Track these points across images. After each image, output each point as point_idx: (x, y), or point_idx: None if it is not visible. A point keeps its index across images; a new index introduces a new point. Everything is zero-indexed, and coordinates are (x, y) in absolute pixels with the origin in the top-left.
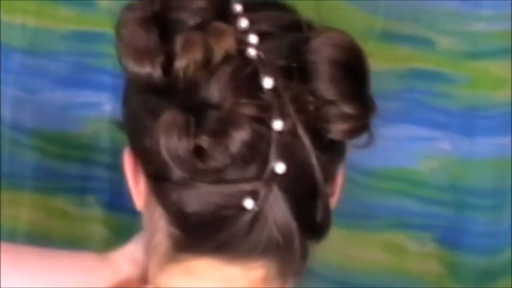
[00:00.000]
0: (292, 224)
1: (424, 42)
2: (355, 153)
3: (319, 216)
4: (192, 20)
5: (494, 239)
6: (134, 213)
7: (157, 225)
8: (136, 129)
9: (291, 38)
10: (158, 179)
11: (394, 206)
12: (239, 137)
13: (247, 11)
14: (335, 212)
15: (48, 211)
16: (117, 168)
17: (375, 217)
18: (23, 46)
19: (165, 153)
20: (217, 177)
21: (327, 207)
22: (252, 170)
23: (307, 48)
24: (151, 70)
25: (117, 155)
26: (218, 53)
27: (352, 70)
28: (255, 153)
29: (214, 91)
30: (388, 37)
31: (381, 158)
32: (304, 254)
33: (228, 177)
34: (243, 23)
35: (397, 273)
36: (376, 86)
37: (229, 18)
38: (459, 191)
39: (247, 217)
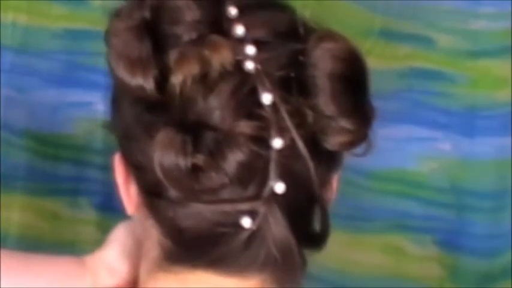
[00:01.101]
0: (291, 240)
1: (424, 40)
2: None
3: (318, 226)
4: (186, 33)
5: (494, 241)
6: (128, 215)
7: (149, 233)
8: (128, 141)
9: (289, 48)
10: (152, 194)
11: (393, 208)
12: (237, 158)
13: (243, 13)
14: (333, 214)
15: (39, 213)
16: (110, 169)
17: (374, 219)
18: (14, 44)
19: (159, 172)
20: (214, 196)
21: (325, 217)
22: (250, 190)
23: (306, 61)
24: (143, 82)
25: (110, 156)
26: (215, 68)
27: (353, 83)
28: (254, 174)
29: (213, 110)
30: (388, 35)
31: (380, 159)
32: (303, 266)
33: (225, 196)
34: (239, 30)
35: (397, 277)
36: (375, 85)
37: (225, 25)
38: (459, 192)
39: (244, 235)
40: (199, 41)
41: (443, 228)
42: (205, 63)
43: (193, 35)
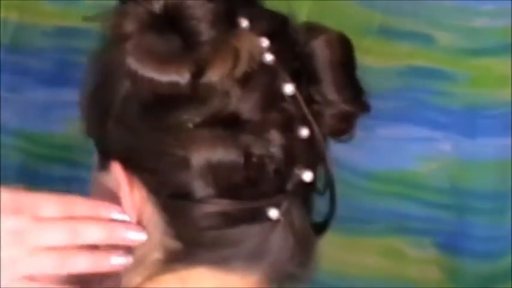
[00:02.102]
0: (310, 230)
1: (423, 38)
2: (352, 154)
3: (325, 214)
4: (206, 29)
5: (495, 243)
6: None
7: (147, 238)
8: (142, 151)
9: (292, 39)
10: (173, 197)
11: (392, 210)
12: (272, 150)
13: (245, 8)
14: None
15: None
16: None
17: (373, 221)
18: (5, 42)
19: (205, 170)
20: (252, 190)
21: (334, 203)
22: (279, 182)
23: (306, 52)
24: (177, 77)
25: None
26: (246, 61)
27: (350, 68)
28: (284, 165)
29: (245, 103)
30: (387, 33)
31: (379, 159)
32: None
33: (259, 190)
34: (244, 23)
35: (396, 280)
36: (374, 84)
37: (236, 19)
38: (460, 193)
39: (267, 229)
40: (229, 35)
41: (443, 230)
42: (239, 56)
43: (213, 31)
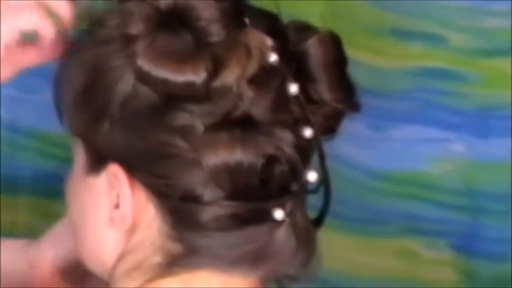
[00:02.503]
0: (311, 227)
1: (435, 39)
2: (365, 156)
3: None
4: (215, 28)
5: (509, 245)
6: None
7: (145, 242)
8: (147, 153)
9: (287, 38)
10: (181, 200)
11: (406, 211)
12: (288, 151)
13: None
14: (343, 217)
15: (47, 216)
16: None
17: (386, 223)
18: None
19: (221, 172)
20: (261, 191)
21: (329, 199)
22: (288, 183)
23: (302, 50)
24: (193, 77)
25: None
26: (255, 61)
27: (343, 66)
28: (292, 165)
29: (257, 104)
30: (398, 34)
31: (392, 160)
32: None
33: (265, 193)
34: (247, 22)
35: (410, 282)
36: (386, 85)
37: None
38: (474, 194)
39: (271, 229)
40: (240, 34)
41: (458, 232)
42: (250, 55)
43: (224, 30)
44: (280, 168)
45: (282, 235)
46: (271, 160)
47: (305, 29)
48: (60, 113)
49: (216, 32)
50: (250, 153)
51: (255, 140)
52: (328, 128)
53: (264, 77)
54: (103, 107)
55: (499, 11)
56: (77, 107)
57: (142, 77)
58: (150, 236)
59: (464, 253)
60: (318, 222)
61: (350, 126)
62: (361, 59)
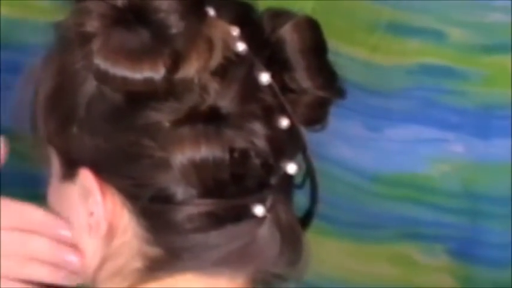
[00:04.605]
0: (297, 224)
1: (434, 34)
2: (360, 157)
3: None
4: (174, 20)
5: (510, 250)
6: None
7: (124, 247)
8: (115, 155)
9: (259, 26)
10: (154, 201)
11: (402, 215)
12: (259, 142)
13: None
14: (337, 221)
15: None
16: None
17: (381, 227)
18: None
19: (188, 169)
20: (234, 188)
21: (317, 195)
22: (263, 176)
23: (277, 37)
24: (151, 73)
25: None
26: (221, 52)
27: (321, 51)
28: (267, 158)
29: (223, 96)
30: (396, 29)
31: (388, 162)
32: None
33: (244, 186)
34: (211, 12)
35: None
36: (382, 82)
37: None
38: (473, 197)
39: (253, 226)
40: (200, 25)
41: (456, 237)
42: (213, 46)
43: (183, 22)
44: (255, 161)
45: (265, 232)
46: (241, 154)
47: (280, 15)
48: (27, 121)
49: (174, 24)
50: (216, 148)
51: (220, 133)
52: (314, 118)
53: (229, 68)
54: (70, 110)
55: (500, 6)
56: (46, 113)
57: (101, 76)
58: (127, 241)
59: (462, 259)
60: (306, 220)
61: (344, 125)
62: (356, 55)
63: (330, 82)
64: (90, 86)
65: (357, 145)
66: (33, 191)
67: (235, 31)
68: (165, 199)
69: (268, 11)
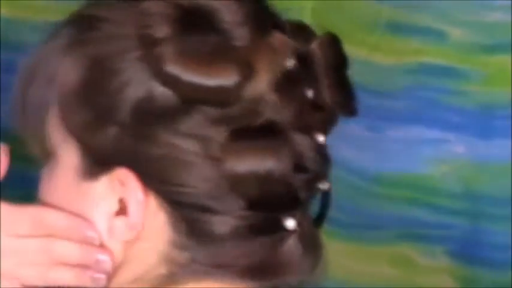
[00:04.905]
0: (317, 233)
1: (435, 34)
2: (360, 157)
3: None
4: (239, 30)
5: None
6: None
7: (149, 252)
8: (163, 161)
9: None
10: (200, 209)
11: (402, 216)
12: (311, 158)
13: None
14: (337, 223)
15: None
16: None
17: (382, 228)
18: None
19: (239, 181)
20: (277, 202)
21: (328, 200)
22: (302, 191)
23: (306, 53)
24: (225, 81)
25: None
26: (280, 65)
27: (345, 73)
28: (320, 173)
29: (281, 111)
30: (395, 28)
31: (388, 162)
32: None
33: (280, 201)
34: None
35: None
36: (382, 82)
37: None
38: (474, 198)
39: (281, 239)
40: (265, 36)
41: (457, 238)
42: (277, 60)
43: (250, 32)
44: (300, 177)
45: (291, 244)
46: (292, 168)
47: (307, 31)
48: (22, 109)
49: (241, 36)
50: (271, 162)
51: (276, 148)
52: (324, 132)
53: (286, 82)
54: (109, 110)
55: (501, 5)
56: (73, 105)
57: (170, 82)
58: (154, 246)
59: (463, 260)
60: (316, 224)
61: (345, 126)
62: (355, 55)
63: (349, 101)
64: (138, 88)
65: (358, 146)
66: (32, 192)
67: (292, 45)
68: (208, 208)
69: (289, 23)
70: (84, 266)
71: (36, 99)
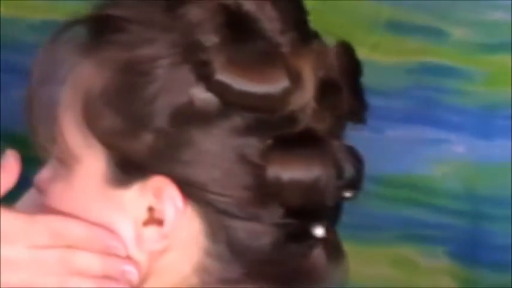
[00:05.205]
0: (339, 241)
1: (436, 33)
2: None
3: None
4: (280, 36)
5: None
6: None
7: (180, 263)
8: (206, 169)
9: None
10: (242, 217)
11: (402, 217)
12: (345, 166)
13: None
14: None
15: None
16: None
17: (381, 229)
18: None
19: (283, 188)
20: (312, 209)
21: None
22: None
23: (329, 60)
24: (274, 88)
25: None
26: (321, 74)
27: (360, 80)
28: (351, 182)
29: (322, 119)
30: (396, 28)
31: (388, 163)
32: None
33: (314, 209)
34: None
35: None
36: (382, 82)
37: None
38: (475, 199)
39: (310, 247)
40: (307, 44)
41: (457, 239)
42: (318, 68)
43: (293, 40)
44: (337, 184)
45: (317, 252)
46: (332, 176)
47: (320, 38)
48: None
49: (286, 42)
50: (315, 171)
51: (327, 155)
52: None
53: (328, 89)
54: (143, 117)
55: (503, 4)
56: (99, 112)
57: (220, 89)
58: (190, 255)
59: (464, 261)
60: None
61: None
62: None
63: (362, 109)
64: (178, 95)
65: (357, 146)
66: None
67: (329, 51)
68: (247, 216)
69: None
70: (107, 277)
71: (47, 100)
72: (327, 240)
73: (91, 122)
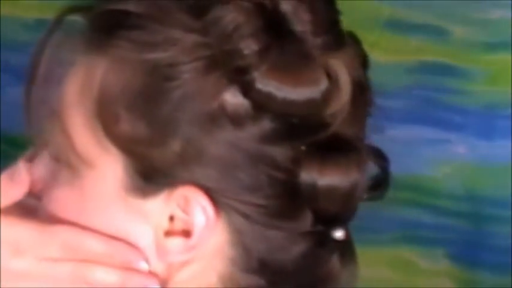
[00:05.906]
0: (350, 238)
1: (436, 31)
2: None
3: None
4: (313, 37)
5: None
6: None
7: (205, 274)
8: (238, 180)
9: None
10: (275, 227)
11: (402, 218)
12: (370, 170)
13: None
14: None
15: None
16: None
17: (381, 230)
18: None
19: (318, 194)
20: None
21: None
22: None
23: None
24: (313, 94)
25: None
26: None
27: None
28: (383, 183)
29: (352, 124)
30: (396, 26)
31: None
32: None
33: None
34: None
35: None
36: (382, 81)
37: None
38: (475, 200)
39: (331, 251)
40: (338, 47)
41: (458, 240)
42: (356, 67)
43: (324, 44)
44: (365, 189)
45: (336, 255)
46: (363, 181)
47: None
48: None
49: (321, 45)
50: (362, 175)
51: (361, 160)
52: None
53: (359, 93)
54: (171, 123)
55: (504, 2)
56: (118, 117)
57: (259, 97)
58: (215, 265)
59: (464, 263)
60: None
61: None
62: None
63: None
64: (208, 101)
65: None
66: None
67: (359, 53)
68: (279, 226)
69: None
70: None
71: (45, 97)
72: (345, 242)
73: (107, 126)
